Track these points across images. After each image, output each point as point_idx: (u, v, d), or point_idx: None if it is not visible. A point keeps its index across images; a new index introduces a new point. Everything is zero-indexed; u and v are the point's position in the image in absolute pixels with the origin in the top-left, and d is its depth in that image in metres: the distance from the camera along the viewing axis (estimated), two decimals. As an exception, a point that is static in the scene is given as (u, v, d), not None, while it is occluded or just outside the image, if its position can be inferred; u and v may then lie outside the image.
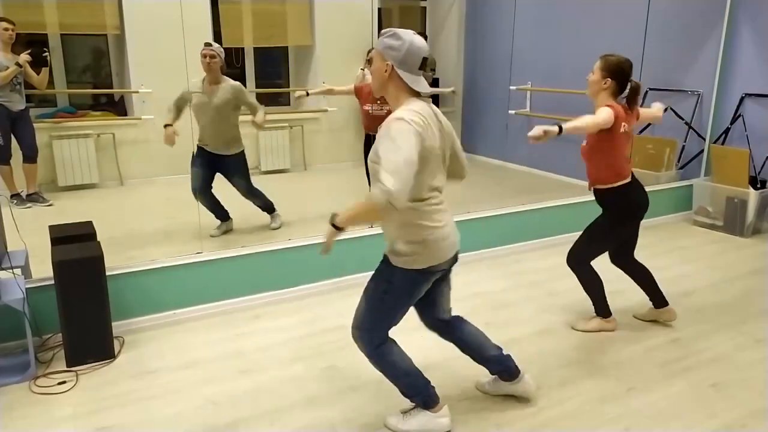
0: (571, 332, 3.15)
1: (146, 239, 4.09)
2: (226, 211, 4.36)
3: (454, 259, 2.19)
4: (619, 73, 2.77)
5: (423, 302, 2.28)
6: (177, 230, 4.07)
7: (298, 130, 6.25)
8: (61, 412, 2.44)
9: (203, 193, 4.19)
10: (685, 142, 5.38)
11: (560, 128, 2.62)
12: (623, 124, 2.76)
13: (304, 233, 3.70)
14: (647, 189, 5.46)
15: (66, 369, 2.74)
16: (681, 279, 3.88)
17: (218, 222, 4.31)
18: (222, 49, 4.09)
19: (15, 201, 4.57)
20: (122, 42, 5.46)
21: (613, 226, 2.96)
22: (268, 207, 4.47)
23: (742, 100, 5.05)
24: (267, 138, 5.89)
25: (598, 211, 3.01)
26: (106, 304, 2.81)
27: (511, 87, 6.44)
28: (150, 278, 3.18)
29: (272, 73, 6.80)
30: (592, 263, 3.06)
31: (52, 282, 2.73)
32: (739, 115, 5.06)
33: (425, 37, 6.67)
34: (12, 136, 4.58)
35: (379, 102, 4.81)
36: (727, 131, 5.16)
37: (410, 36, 1.98)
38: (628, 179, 2.90)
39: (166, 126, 4.02)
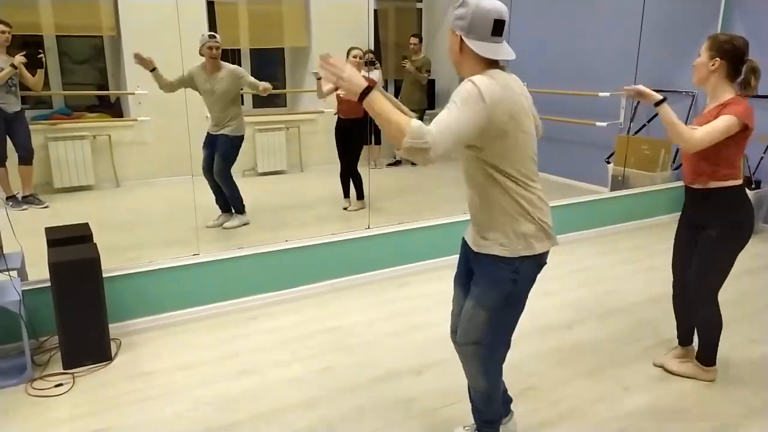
0: (566, 332, 3.16)
1: (143, 241, 4.08)
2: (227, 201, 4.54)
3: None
4: (730, 52, 2.34)
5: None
6: (173, 232, 4.07)
7: (294, 132, 6.25)
8: (58, 415, 2.43)
9: (207, 173, 4.45)
10: (680, 142, 5.40)
11: (663, 100, 2.41)
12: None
13: (301, 235, 3.70)
14: (642, 190, 5.50)
15: (62, 371, 2.74)
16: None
17: (218, 213, 4.50)
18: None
19: (10, 203, 4.55)
20: (118, 43, 5.45)
21: (730, 240, 2.46)
22: (236, 204, 4.52)
23: (736, 100, 5.07)
24: (263, 139, 5.90)
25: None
26: (103, 306, 2.81)
27: (507, 88, 6.44)
28: (147, 280, 3.17)
29: (268, 74, 6.80)
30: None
31: (49, 284, 2.72)
32: (734, 116, 5.08)
33: (420, 39, 6.70)
34: (7, 138, 4.57)
35: None
36: (721, 132, 5.18)
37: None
38: (741, 181, 2.46)
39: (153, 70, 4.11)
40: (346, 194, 4.99)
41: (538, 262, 1.89)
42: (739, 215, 2.46)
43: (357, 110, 4.54)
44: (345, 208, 4.89)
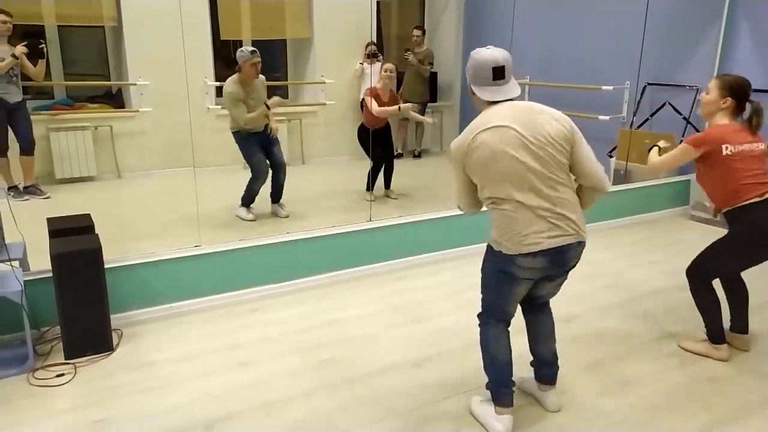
0: (567, 326, 3.16)
1: (144, 232, 4.08)
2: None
3: (549, 264, 2.15)
4: (737, 92, 2.56)
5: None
6: (175, 223, 4.07)
7: (296, 124, 6.25)
8: (59, 404, 2.44)
9: (266, 174, 4.51)
10: (683, 136, 5.38)
11: None
12: (726, 146, 2.50)
13: (303, 227, 3.71)
14: (644, 184, 5.48)
15: (64, 361, 2.75)
16: (677, 273, 3.89)
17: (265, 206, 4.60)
18: None
19: (12, 193, 4.56)
20: (120, 34, 5.44)
21: (733, 243, 2.63)
22: (280, 192, 4.65)
23: (740, 95, 5.05)
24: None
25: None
26: (105, 297, 2.82)
27: (510, 81, 6.41)
28: (148, 271, 3.18)
29: (270, 65, 6.78)
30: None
31: (51, 274, 2.73)
32: (737, 111, 5.06)
33: (423, 31, 6.67)
34: (9, 129, 4.57)
35: (387, 104, 4.92)
36: (724, 126, 5.16)
37: (478, 52, 2.08)
38: (756, 199, 2.54)
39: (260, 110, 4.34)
40: (370, 188, 5.04)
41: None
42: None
43: (381, 122, 5.00)
44: (372, 200, 4.96)
